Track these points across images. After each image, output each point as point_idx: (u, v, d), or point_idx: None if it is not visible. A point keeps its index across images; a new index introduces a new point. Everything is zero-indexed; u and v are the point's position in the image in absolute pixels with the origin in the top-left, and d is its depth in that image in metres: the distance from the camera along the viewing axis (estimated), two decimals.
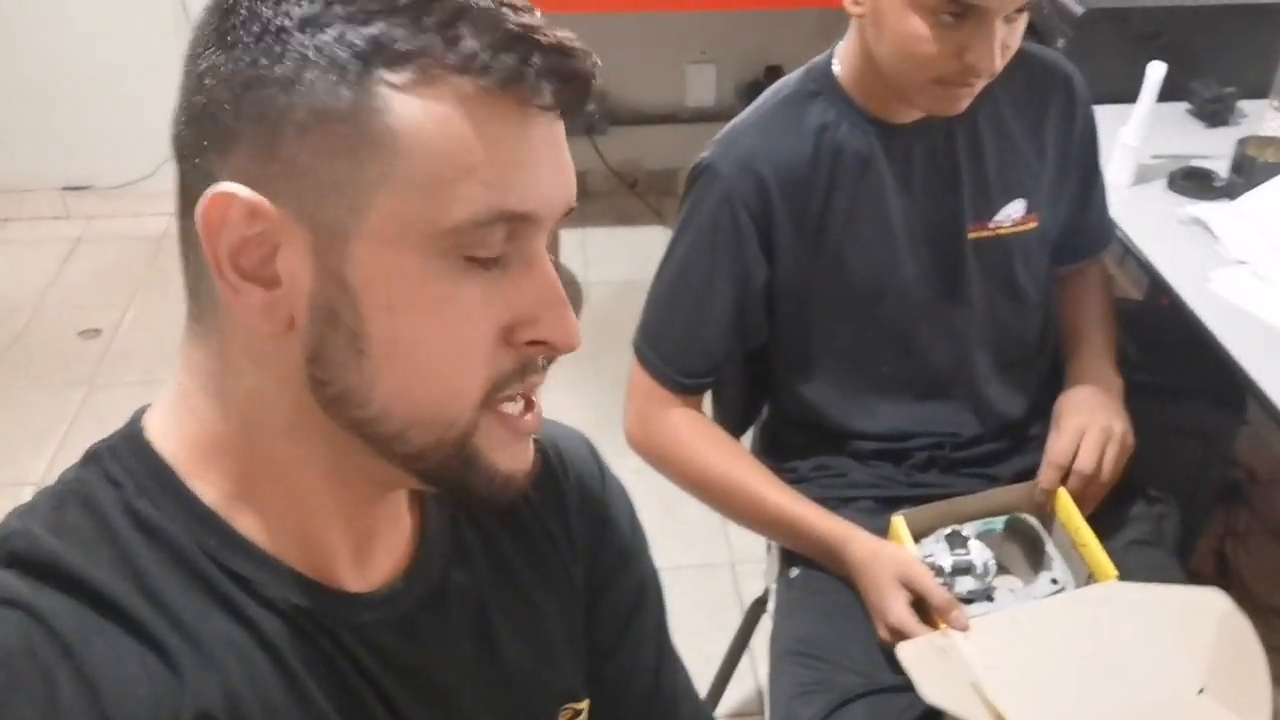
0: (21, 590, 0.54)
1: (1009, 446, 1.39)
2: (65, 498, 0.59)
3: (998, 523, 1.29)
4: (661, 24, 3.19)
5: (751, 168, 1.24)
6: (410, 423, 0.56)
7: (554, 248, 2.57)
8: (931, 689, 1.08)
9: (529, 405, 0.60)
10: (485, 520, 0.74)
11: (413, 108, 0.52)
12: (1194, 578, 1.37)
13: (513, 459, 0.60)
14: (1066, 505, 1.27)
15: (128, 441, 0.61)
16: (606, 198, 3.35)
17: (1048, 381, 1.42)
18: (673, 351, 1.31)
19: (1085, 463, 1.27)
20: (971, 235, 1.30)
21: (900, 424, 1.36)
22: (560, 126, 0.57)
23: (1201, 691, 1.10)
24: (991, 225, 1.30)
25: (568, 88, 0.54)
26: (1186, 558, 1.67)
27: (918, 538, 1.27)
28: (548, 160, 0.56)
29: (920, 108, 1.22)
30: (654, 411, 1.33)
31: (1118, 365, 1.41)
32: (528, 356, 0.58)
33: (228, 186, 0.53)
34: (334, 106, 0.51)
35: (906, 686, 1.16)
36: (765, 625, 1.43)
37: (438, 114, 0.52)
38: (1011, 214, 1.30)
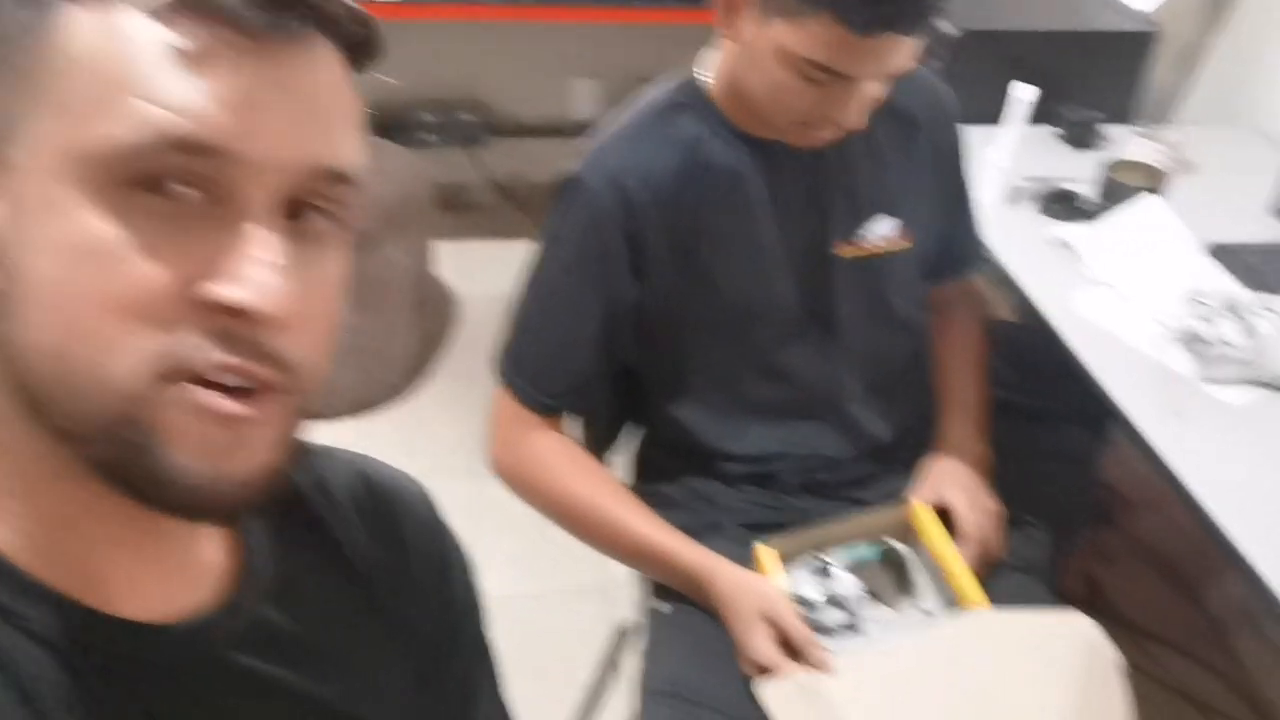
0: None
1: (878, 469, 1.36)
2: None
3: (868, 550, 1.26)
4: (545, 36, 3.14)
5: (620, 183, 1.19)
6: (62, 385, 0.47)
7: (423, 255, 2.49)
8: None
9: (247, 394, 0.48)
10: (318, 559, 0.66)
11: (74, 23, 0.46)
12: (1064, 601, 1.36)
13: (207, 457, 0.48)
14: (932, 530, 1.24)
15: None
16: (487, 210, 3.28)
17: (918, 404, 1.40)
18: (537, 373, 1.26)
19: (986, 535, 1.28)
20: (841, 253, 1.27)
21: (769, 445, 1.32)
22: (296, 59, 0.48)
23: None
24: (861, 244, 1.27)
25: (271, 6, 0.46)
26: (1056, 581, 1.67)
27: (786, 566, 1.23)
28: (256, 91, 0.47)
29: (783, 138, 1.19)
30: (518, 437, 1.27)
31: (990, 386, 1.41)
32: (225, 327, 0.47)
33: None
34: None
35: None
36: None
37: (100, 29, 0.46)
38: (883, 232, 1.28)
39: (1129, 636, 1.12)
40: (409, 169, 2.39)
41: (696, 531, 1.28)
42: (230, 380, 0.47)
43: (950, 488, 1.30)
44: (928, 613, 1.20)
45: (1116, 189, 1.62)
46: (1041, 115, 1.73)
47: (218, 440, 0.48)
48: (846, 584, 1.19)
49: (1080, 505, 1.89)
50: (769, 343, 1.28)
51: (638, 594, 1.41)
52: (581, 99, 3.26)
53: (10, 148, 0.47)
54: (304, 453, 0.65)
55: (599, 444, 1.41)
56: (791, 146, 1.21)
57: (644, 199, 1.19)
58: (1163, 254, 1.52)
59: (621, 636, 1.53)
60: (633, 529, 1.24)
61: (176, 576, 0.58)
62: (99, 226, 0.45)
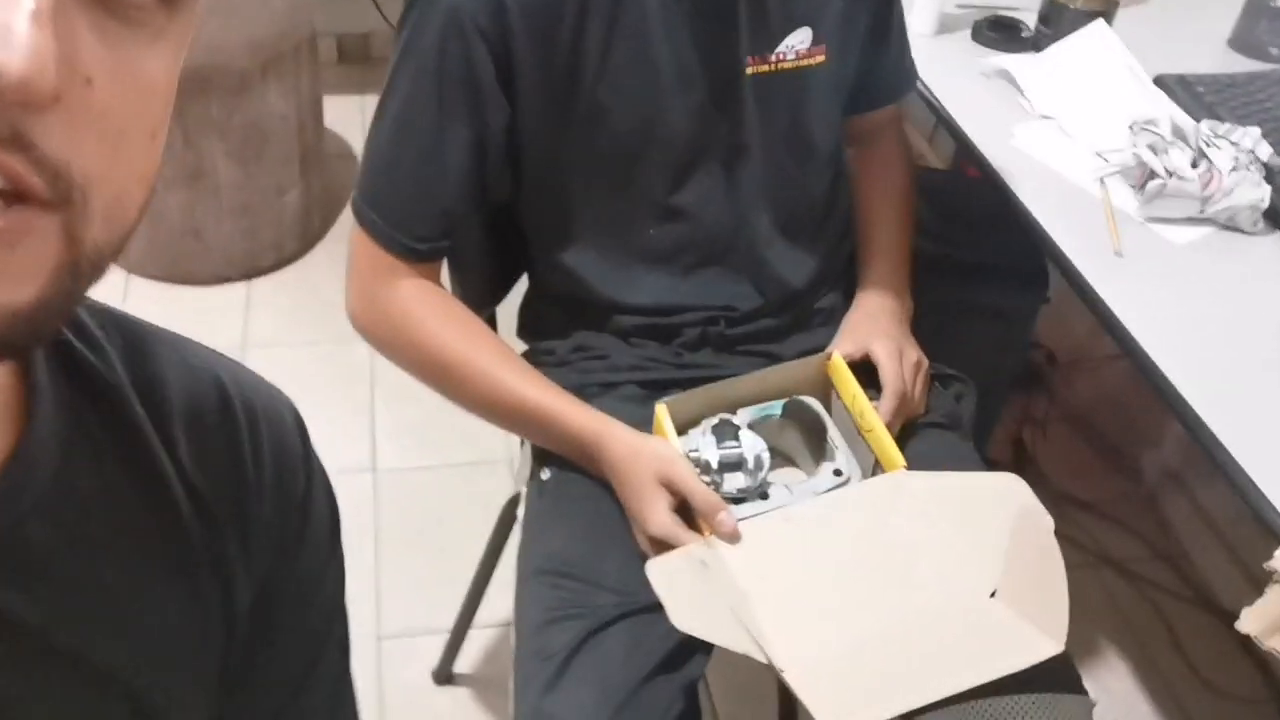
0: None
1: (793, 321, 1.22)
2: None
3: (775, 407, 1.13)
4: None
5: None
6: None
7: (311, 106, 2.26)
8: (681, 615, 0.91)
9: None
10: (117, 471, 0.51)
11: None
12: (991, 466, 1.25)
13: None
14: (850, 385, 1.11)
15: None
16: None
17: (837, 248, 1.25)
18: (401, 212, 1.07)
19: (909, 389, 1.15)
20: (750, 70, 1.09)
21: (668, 296, 1.17)
22: None
23: (994, 595, 0.97)
24: (773, 58, 1.10)
25: None
26: (983, 445, 1.57)
27: (684, 428, 1.09)
28: None
29: None
30: (380, 284, 1.10)
31: (916, 236, 1.27)
32: None
33: None
34: None
35: None
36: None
37: None
38: (795, 45, 1.10)
39: (1057, 506, 1.01)
40: (294, 12, 2.15)
41: (588, 392, 1.14)
42: None
43: (872, 336, 1.16)
44: (841, 475, 1.08)
45: (1060, 16, 1.46)
46: None
47: None
48: (752, 445, 1.05)
49: (1011, 365, 1.79)
50: (665, 178, 1.12)
51: (521, 468, 1.27)
52: None
53: None
54: (135, 340, 0.54)
55: (477, 299, 1.24)
56: None
57: (515, 5, 1.00)
58: (1109, 85, 1.37)
59: (505, 511, 1.40)
60: (511, 387, 1.09)
61: None
62: None
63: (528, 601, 1.08)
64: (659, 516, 1.01)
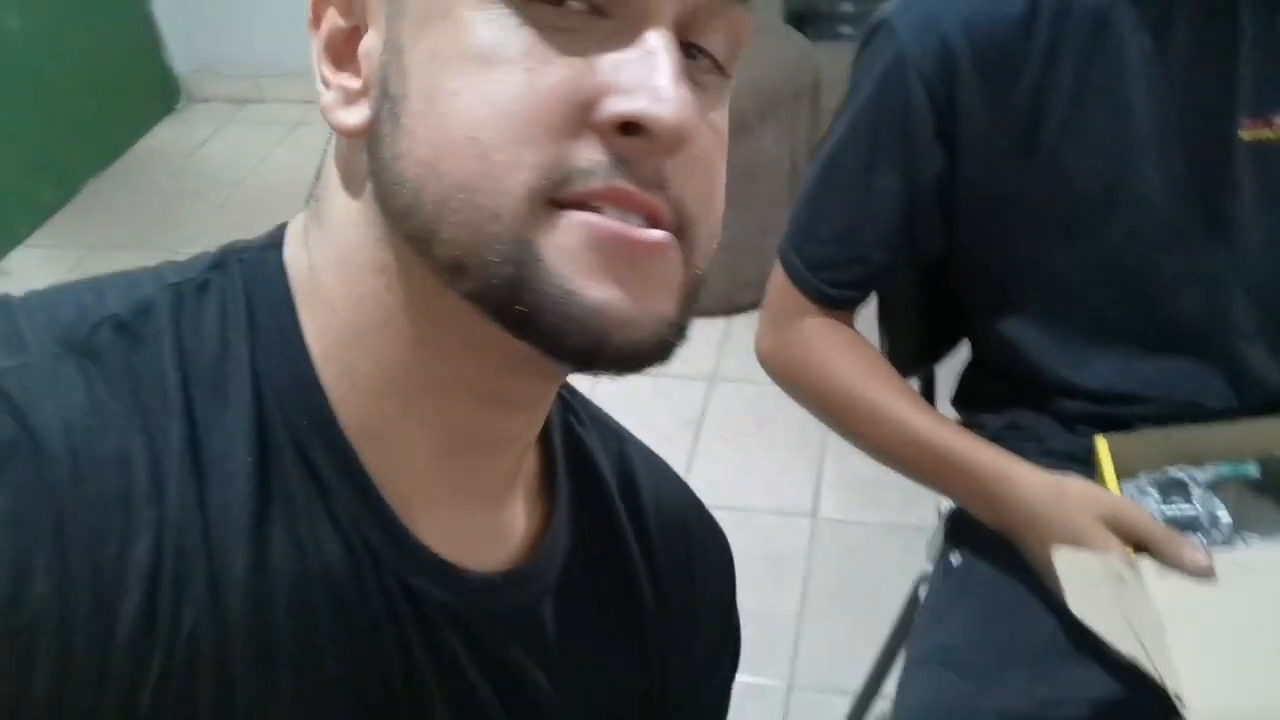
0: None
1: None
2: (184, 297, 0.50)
3: (1250, 466, 0.95)
4: None
5: (937, 29, 0.95)
6: (443, 206, 0.43)
7: (798, 149, 2.30)
8: (1078, 601, 0.82)
9: (642, 215, 0.44)
10: (605, 564, 0.61)
11: None
12: None
13: (602, 283, 0.43)
14: None
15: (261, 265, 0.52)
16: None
17: None
18: (819, 256, 1.06)
19: None
20: (1247, 135, 0.94)
21: (1122, 382, 1.03)
22: None
23: None
24: (1278, 122, 0.94)
25: None
26: None
27: (1126, 477, 0.96)
28: None
29: None
30: (786, 321, 1.09)
31: None
32: (618, 148, 0.43)
33: None
34: None
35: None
36: None
37: None
38: None
39: None
40: (802, 60, 2.22)
41: None
42: (623, 215, 0.44)
43: None
44: None
45: None
46: None
47: (622, 269, 0.43)
48: (1205, 504, 0.90)
49: None
50: (1132, 248, 0.99)
51: (932, 545, 1.20)
52: None
53: None
54: (613, 440, 0.64)
55: (905, 359, 1.19)
56: None
57: (966, 52, 0.94)
58: None
59: (915, 591, 1.32)
60: (907, 420, 1.01)
61: (480, 530, 0.55)
62: (496, 32, 0.43)
63: (908, 690, 1.02)
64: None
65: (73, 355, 0.45)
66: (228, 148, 3.37)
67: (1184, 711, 0.78)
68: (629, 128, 0.43)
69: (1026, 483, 0.95)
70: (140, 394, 0.45)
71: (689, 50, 0.46)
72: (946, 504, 1.16)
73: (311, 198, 0.52)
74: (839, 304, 1.07)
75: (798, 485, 2.03)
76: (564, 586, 0.57)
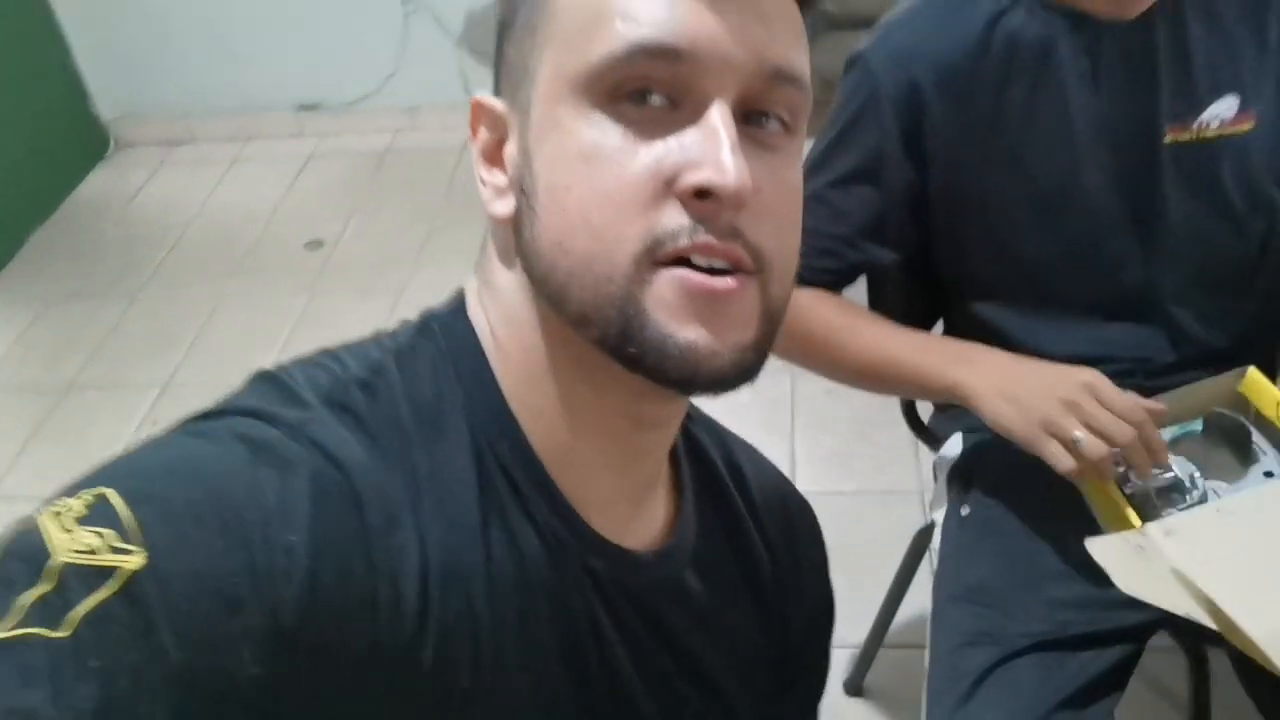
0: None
1: (1211, 375, 1.23)
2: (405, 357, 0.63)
3: (1195, 424, 1.15)
4: None
5: (905, 65, 1.14)
6: (570, 275, 0.56)
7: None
8: (1125, 579, 0.97)
9: (724, 275, 0.55)
10: (724, 539, 0.74)
11: None
12: None
13: (690, 325, 0.54)
14: (1261, 387, 1.11)
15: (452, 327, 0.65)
16: (819, 106, 3.21)
17: (1263, 311, 1.25)
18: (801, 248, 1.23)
19: None
20: (1169, 139, 1.14)
21: (1088, 346, 1.22)
22: None
23: None
24: (1195, 127, 1.14)
25: None
26: None
27: None
28: (715, 3, 0.55)
29: (1094, 7, 1.09)
30: None
31: None
32: (698, 213, 0.54)
33: (479, 95, 0.62)
34: None
35: (1083, 643, 1.09)
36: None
37: None
38: (1220, 113, 1.13)
39: None
40: None
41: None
42: (709, 262, 0.55)
43: None
44: (1272, 475, 1.08)
45: None
46: None
47: (700, 311, 0.55)
48: (1183, 467, 1.08)
49: None
50: (1084, 233, 1.18)
51: (938, 497, 1.38)
52: None
53: (525, 91, 0.58)
54: (718, 436, 0.78)
55: None
56: (1112, 18, 1.10)
57: (930, 83, 1.13)
58: None
59: (917, 540, 1.51)
60: (886, 324, 1.21)
61: (635, 519, 0.68)
62: (595, 135, 0.55)
63: (943, 625, 1.19)
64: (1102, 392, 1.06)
65: (335, 410, 0.58)
66: (167, 190, 3.40)
67: (1261, 647, 0.88)
68: (702, 193, 0.54)
69: (995, 355, 1.15)
70: (387, 434, 0.59)
71: (757, 116, 0.57)
72: (932, 465, 1.33)
73: (479, 267, 0.66)
74: (805, 281, 1.20)
75: (774, 461, 2.20)
76: (699, 557, 0.71)
